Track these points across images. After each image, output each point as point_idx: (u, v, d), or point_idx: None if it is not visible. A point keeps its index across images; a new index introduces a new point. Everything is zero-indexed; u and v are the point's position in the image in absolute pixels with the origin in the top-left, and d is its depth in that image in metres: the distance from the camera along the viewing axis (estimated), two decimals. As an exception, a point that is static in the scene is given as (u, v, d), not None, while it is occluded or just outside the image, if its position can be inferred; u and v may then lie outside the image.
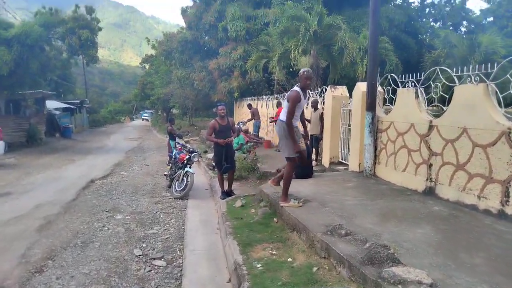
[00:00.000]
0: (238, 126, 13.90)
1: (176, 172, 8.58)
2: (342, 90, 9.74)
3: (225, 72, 24.25)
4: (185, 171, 8.05)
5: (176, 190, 8.07)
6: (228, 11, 24.20)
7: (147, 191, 8.79)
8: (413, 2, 47.60)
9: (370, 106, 7.35)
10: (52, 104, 30.15)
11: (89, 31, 17.07)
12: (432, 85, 6.14)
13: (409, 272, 3.07)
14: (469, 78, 5.37)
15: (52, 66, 19.57)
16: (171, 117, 15.29)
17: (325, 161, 9.88)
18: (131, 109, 73.55)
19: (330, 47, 16.14)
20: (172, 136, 13.56)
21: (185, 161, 8.20)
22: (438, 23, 38.06)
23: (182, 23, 28.84)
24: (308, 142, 10.05)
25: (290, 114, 5.25)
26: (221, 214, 6.23)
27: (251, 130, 16.43)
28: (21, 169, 12.11)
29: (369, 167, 7.48)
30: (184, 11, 29.13)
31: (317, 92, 11.34)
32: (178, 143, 9.18)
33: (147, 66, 56.17)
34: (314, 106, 10.03)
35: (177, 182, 8.16)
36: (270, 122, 14.38)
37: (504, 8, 32.80)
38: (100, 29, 18.66)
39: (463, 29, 36.90)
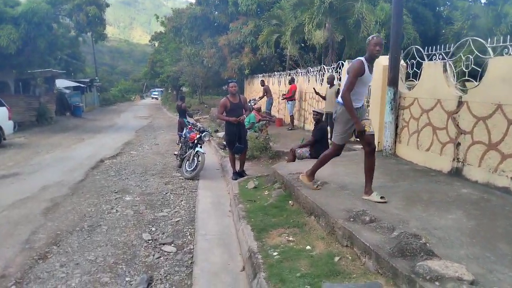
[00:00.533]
0: (249, 104, 13.50)
1: (186, 152, 8.29)
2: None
3: (236, 49, 23.62)
4: (195, 151, 7.74)
5: (187, 170, 7.80)
6: (238, -16, 23.36)
7: (157, 171, 8.54)
8: (431, -27, 45.50)
9: (392, 81, 6.86)
10: (62, 83, 30.03)
11: (97, 7, 16.53)
12: (463, 57, 5.62)
13: (447, 267, 2.72)
14: (506, 50, 4.86)
15: (60, 44, 19.19)
16: (182, 95, 14.92)
17: (341, 140, 9.45)
18: (141, 88, 73.33)
19: (345, 20, 15.42)
20: (183, 114, 13.28)
21: (196, 141, 7.88)
22: (457, -6, 36.38)
23: (192, 4, 27.97)
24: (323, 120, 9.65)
25: (347, 87, 4.29)
26: (233, 196, 5.94)
27: (263, 108, 15.99)
28: (30, 148, 11.98)
29: (389, 146, 7.06)
30: (193, -14, 28.29)
31: (333, 68, 10.81)
32: (188, 122, 8.84)
33: (156, 44, 55.30)
34: (330, 82, 9.54)
35: (187, 162, 7.88)
36: (282, 99, 13.93)
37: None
38: (108, 5, 18.09)
39: (483, 0, 35.25)
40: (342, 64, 9.96)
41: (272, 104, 15.78)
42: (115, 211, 5.69)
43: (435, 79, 6.04)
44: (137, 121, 24.10)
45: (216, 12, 26.54)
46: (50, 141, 13.85)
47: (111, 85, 62.17)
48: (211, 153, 10.98)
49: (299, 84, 13.43)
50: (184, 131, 8.81)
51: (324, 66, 11.56)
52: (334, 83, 9.58)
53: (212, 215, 5.48)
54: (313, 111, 7.27)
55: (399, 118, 7.03)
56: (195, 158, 7.76)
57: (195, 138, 7.90)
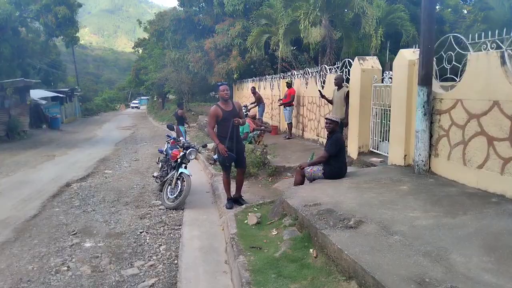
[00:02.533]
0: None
1: (168, 173, 6.73)
2: (373, 61, 7.79)
3: (223, 52, 22.12)
4: (179, 172, 6.19)
5: (169, 198, 6.22)
6: (223, -17, 21.92)
7: (133, 198, 6.95)
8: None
9: (425, 79, 5.43)
10: (38, 94, 28.03)
11: (67, 7, 14.85)
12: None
13: None
14: None
15: (30, 50, 17.44)
16: (180, 101, 13.95)
17: (352, 151, 8.01)
18: (126, 96, 71.43)
19: (343, 16, 14.10)
20: (182, 122, 12.13)
21: (179, 160, 6.33)
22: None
23: (177, 7, 26.40)
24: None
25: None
26: (230, 238, 4.40)
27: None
28: (-12, 170, 10.26)
29: (422, 160, 5.61)
30: (175, -13, 26.73)
31: (337, 67, 9.38)
32: (169, 136, 7.24)
33: (140, 51, 53.70)
34: (338, 83, 8.09)
35: (169, 187, 6.30)
36: (280, 105, 12.45)
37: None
38: (80, 5, 16.40)
39: (472, -2, 34.52)
40: (349, 63, 8.53)
41: (264, 111, 14.31)
42: (65, 268, 4.08)
43: (489, 74, 4.61)
44: (119, 132, 22.39)
45: (201, 14, 25.06)
46: (15, 160, 12.11)
47: (96, 95, 60.31)
48: (199, 169, 9.44)
49: (296, 88, 11.97)
50: (165, 147, 7.24)
51: (326, 66, 10.12)
52: (343, 84, 8.13)
53: (201, 272, 3.91)
54: (326, 118, 5.80)
55: (434, 126, 5.59)
56: (179, 182, 6.20)
57: (178, 157, 6.35)
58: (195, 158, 6.46)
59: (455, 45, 5.28)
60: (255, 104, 13.81)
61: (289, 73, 13.67)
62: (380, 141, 7.56)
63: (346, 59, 8.86)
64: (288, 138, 11.83)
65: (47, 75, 35.73)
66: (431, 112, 5.54)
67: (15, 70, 18.30)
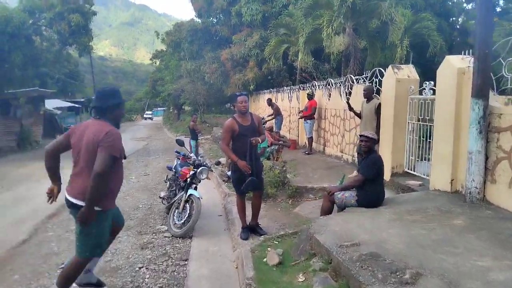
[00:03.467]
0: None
1: (176, 194, 5.95)
2: (408, 70, 6.93)
3: (239, 63, 21.54)
4: (187, 194, 5.39)
5: (175, 224, 5.42)
6: (242, -7, 21.46)
7: (136, 221, 6.18)
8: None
9: (481, 90, 4.54)
10: (54, 103, 28.01)
11: (81, 15, 14.47)
12: None
13: None
14: None
15: (44, 59, 17.13)
16: (194, 113, 13.37)
17: (385, 172, 7.08)
18: (143, 107, 71.97)
19: (367, 24, 13.28)
20: (194, 135, 11.40)
21: (188, 179, 5.55)
22: (471, 4, 34.50)
23: (194, 18, 26.11)
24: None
25: None
26: (246, 284, 3.55)
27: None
28: (-10, 183, 9.69)
29: (476, 187, 4.68)
30: (193, -2, 26.42)
31: (365, 77, 8.52)
32: (178, 152, 6.45)
33: (157, 62, 54.01)
34: (368, 94, 7.22)
35: (176, 211, 5.50)
36: (300, 118, 11.61)
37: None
38: (94, 13, 16.04)
39: (498, 9, 33.29)
40: (380, 73, 7.69)
41: (282, 123, 13.48)
42: (42, 319, 3.31)
43: None
44: (133, 144, 21.88)
45: (218, 25, 24.63)
46: (21, 172, 11.57)
47: (113, 106, 60.82)
48: (211, 187, 8.64)
49: (317, 99, 11.14)
50: (175, 163, 6.48)
51: (351, 76, 9.28)
52: (373, 96, 7.27)
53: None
54: (361, 135, 4.94)
55: (490, 146, 4.67)
56: (187, 205, 5.40)
57: (188, 176, 5.56)
58: (207, 177, 5.67)
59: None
60: (273, 116, 12.99)
61: (310, 84, 12.87)
62: (418, 160, 6.65)
63: (376, 68, 8.01)
64: (308, 154, 10.96)
65: (65, 85, 35.93)
66: (487, 129, 4.64)
67: (31, 79, 18.04)
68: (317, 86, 11.89)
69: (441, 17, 24.95)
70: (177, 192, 5.96)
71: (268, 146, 9.45)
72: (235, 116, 4.92)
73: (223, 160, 11.43)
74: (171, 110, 51.79)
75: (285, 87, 16.24)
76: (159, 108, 69.40)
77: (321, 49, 15.44)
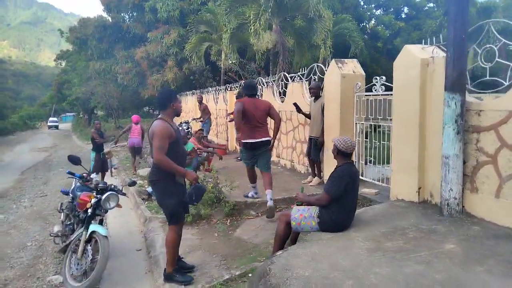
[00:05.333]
0: (181, 128, 9.86)
1: (74, 230, 4.36)
2: (353, 65, 6.14)
3: (157, 62, 19.77)
4: (89, 232, 3.86)
5: (72, 274, 3.82)
6: (157, -13, 19.70)
7: (19, 271, 4.45)
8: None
9: (457, 82, 3.79)
10: None
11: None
12: None
13: None
14: None
15: None
16: (96, 119, 11.08)
17: (332, 179, 6.23)
18: (49, 113, 65.25)
19: (294, 21, 12.62)
20: (95, 145, 9.24)
21: (90, 210, 4.01)
22: (379, 10, 36.65)
23: (103, 14, 23.44)
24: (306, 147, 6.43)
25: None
26: None
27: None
28: None
29: (455, 197, 3.92)
30: (101, -9, 23.75)
31: (301, 74, 7.65)
32: (72, 174, 4.63)
33: (63, 63, 49.06)
34: (315, 93, 6.30)
35: (74, 256, 3.92)
36: (229, 120, 10.42)
37: (446, -7, 31.80)
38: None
39: (403, 15, 35.82)
40: (321, 70, 6.85)
41: (210, 127, 12.17)
42: None
43: None
44: (32, 155, 18.86)
45: (131, 20, 22.45)
46: None
47: (13, 112, 53.85)
48: (127, 208, 7.01)
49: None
50: (72, 186, 4.84)
51: (286, 74, 8.36)
52: (321, 94, 6.37)
53: None
54: (334, 141, 3.89)
55: (468, 148, 3.95)
56: (89, 248, 3.85)
57: (89, 205, 4.02)
58: (117, 206, 4.18)
59: (498, 35, 3.71)
60: (201, 119, 11.47)
61: (237, 84, 11.77)
62: (373, 165, 5.90)
63: (315, 64, 7.16)
64: (240, 160, 9.80)
65: None
66: (463, 130, 3.90)
67: None
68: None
69: (358, 21, 25.85)
70: (75, 228, 4.37)
71: (198, 155, 8.13)
72: (164, 118, 3.61)
73: (142, 171, 9.78)
74: (80, 116, 47.41)
75: (209, 88, 14.96)
76: (67, 114, 63.62)
77: (247, 47, 14.50)
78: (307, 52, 14.26)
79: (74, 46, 25.29)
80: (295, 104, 6.38)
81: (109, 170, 10.98)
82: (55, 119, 52.11)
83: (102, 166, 9.07)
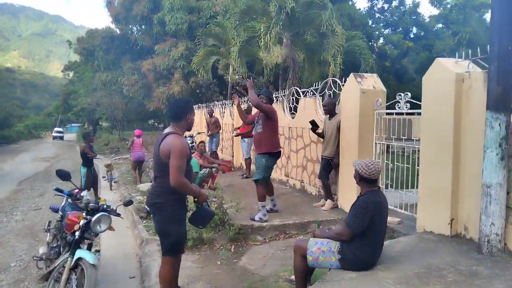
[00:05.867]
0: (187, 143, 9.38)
1: (60, 253, 3.86)
2: (373, 80, 5.70)
3: (163, 75, 19.50)
4: (75, 258, 3.35)
5: (54, 308, 3.32)
6: (165, 0, 19.59)
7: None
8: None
9: (501, 100, 3.32)
10: None
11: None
12: None
13: None
14: None
15: None
16: (87, 132, 10.54)
17: (346, 203, 5.69)
18: (55, 123, 65.60)
19: (305, 36, 12.28)
20: (85, 160, 8.63)
21: (77, 233, 3.52)
22: (388, 29, 36.59)
23: (111, 25, 23.38)
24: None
25: None
26: None
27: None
28: None
29: (496, 233, 3.40)
30: (109, 3, 23.75)
31: (312, 91, 7.22)
32: (60, 191, 4.13)
33: (70, 74, 49.45)
34: (330, 110, 5.84)
35: (56, 286, 3.40)
36: (235, 135, 9.96)
37: (456, 14, 31.68)
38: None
39: (411, 35, 35.71)
40: (335, 84, 6.41)
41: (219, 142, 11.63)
42: None
43: None
44: (33, 165, 18.45)
45: (139, 33, 22.34)
46: None
47: (20, 121, 54.12)
48: (123, 227, 6.48)
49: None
50: (63, 203, 4.36)
51: (297, 88, 7.93)
52: (336, 111, 5.91)
53: None
54: (355, 166, 3.38)
55: None
56: (73, 277, 3.33)
57: (76, 227, 3.53)
58: (109, 228, 3.69)
59: None
60: (210, 132, 10.93)
61: (245, 98, 11.36)
62: (388, 189, 5.37)
63: (330, 79, 6.72)
64: (246, 177, 9.33)
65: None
66: (508, 155, 3.41)
67: None
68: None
69: (368, 39, 25.67)
70: (61, 251, 3.87)
71: (200, 171, 7.67)
72: (177, 132, 3.24)
73: (143, 186, 9.30)
74: (85, 126, 47.34)
75: (216, 102, 14.57)
76: (73, 124, 63.75)
77: (255, 61, 14.17)
78: (317, 68, 13.89)
79: (81, 56, 25.19)
80: (312, 121, 5.90)
81: (108, 184, 10.56)
82: (60, 129, 51.27)
83: (93, 181, 8.56)
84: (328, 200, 6.03)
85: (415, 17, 35.43)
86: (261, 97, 5.67)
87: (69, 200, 4.05)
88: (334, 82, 6.52)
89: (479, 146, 3.64)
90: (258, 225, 5.50)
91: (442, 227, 4.01)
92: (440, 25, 34.98)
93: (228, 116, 12.18)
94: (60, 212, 4.29)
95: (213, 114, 11.09)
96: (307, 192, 7.25)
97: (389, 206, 5.16)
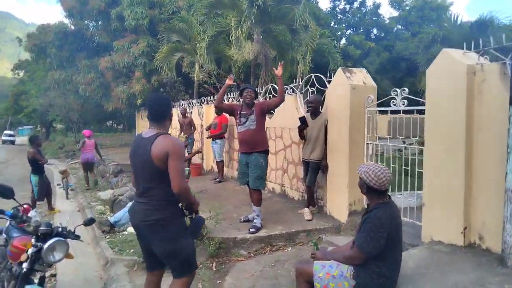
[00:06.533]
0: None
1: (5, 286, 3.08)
2: (363, 75, 5.26)
3: (123, 73, 18.32)
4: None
5: None
6: (124, -6, 18.42)
7: None
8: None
9: (529, 94, 2.94)
10: None
11: None
12: None
13: None
14: None
15: None
16: (35, 135, 9.47)
17: (339, 210, 5.24)
18: (4, 126, 61.18)
19: (277, 32, 11.80)
20: (35, 167, 7.65)
21: (25, 264, 2.76)
22: (349, 30, 37.10)
23: (64, 20, 21.73)
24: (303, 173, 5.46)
25: None
26: None
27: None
28: None
29: (521, 245, 3.02)
30: (62, -3, 22.03)
31: (291, 88, 6.72)
32: (1, 212, 3.30)
33: (21, 73, 46.33)
34: (315, 108, 5.34)
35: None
36: (208, 137, 9.24)
37: (415, 15, 32.63)
38: None
39: (372, 36, 36.45)
40: (318, 80, 5.94)
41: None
42: None
43: None
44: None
45: (95, 28, 20.95)
46: None
47: (-37, 126, 50.22)
48: (84, 244, 5.64)
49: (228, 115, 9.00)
50: (7, 224, 3.54)
51: (275, 86, 7.40)
52: (320, 110, 5.42)
53: None
54: (360, 173, 2.84)
55: (536, 179, 3.08)
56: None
57: (24, 257, 2.77)
58: (66, 257, 2.94)
59: None
60: (191, 132, 10.14)
61: (214, 98, 10.69)
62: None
63: (312, 75, 6.23)
64: (220, 181, 8.69)
65: None
66: (533, 155, 3.03)
67: None
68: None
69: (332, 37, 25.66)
70: (5, 286, 3.08)
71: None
72: (168, 133, 2.81)
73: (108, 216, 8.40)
74: (38, 129, 44.42)
75: (182, 101, 13.75)
76: (25, 127, 59.82)
77: (222, 58, 13.53)
78: (289, 66, 13.47)
79: (32, 54, 23.28)
80: (302, 118, 5.36)
81: (64, 192, 9.55)
82: (11, 132, 47.13)
83: (47, 189, 7.62)
84: (306, 209, 5.50)
85: (375, 18, 36.20)
86: (249, 91, 5.09)
87: (13, 223, 3.25)
88: (318, 78, 6.04)
89: (494, 146, 3.27)
90: (242, 237, 4.90)
91: (454, 236, 3.61)
92: (399, 26, 35.94)
93: (197, 116, 11.45)
94: (4, 235, 3.48)
95: (186, 114, 10.31)
96: (289, 196, 6.73)
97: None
